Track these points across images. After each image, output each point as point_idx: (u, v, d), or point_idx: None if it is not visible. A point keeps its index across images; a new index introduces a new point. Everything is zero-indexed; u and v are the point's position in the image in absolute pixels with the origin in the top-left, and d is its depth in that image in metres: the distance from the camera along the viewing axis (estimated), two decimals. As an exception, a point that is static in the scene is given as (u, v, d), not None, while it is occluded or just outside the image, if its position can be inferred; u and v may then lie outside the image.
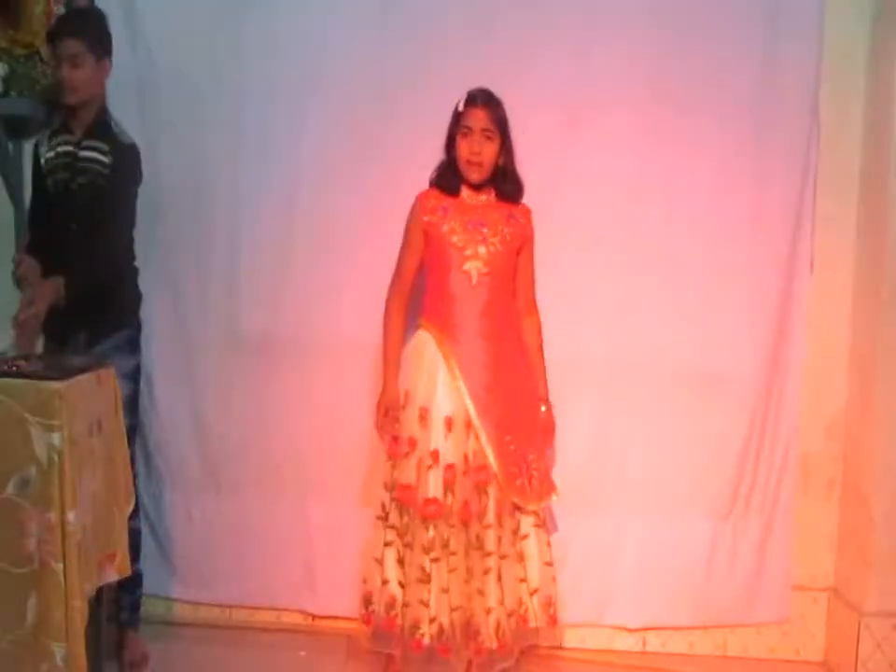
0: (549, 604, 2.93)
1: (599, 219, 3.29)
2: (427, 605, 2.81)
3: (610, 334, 3.31)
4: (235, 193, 3.35)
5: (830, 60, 3.27)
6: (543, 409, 3.04)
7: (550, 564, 2.94)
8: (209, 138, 3.33)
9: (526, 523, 2.91)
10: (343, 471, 3.30)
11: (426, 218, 2.92)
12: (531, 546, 2.91)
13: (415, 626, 2.82)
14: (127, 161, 3.00)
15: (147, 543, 3.33)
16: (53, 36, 2.97)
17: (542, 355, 3.06)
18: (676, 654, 3.37)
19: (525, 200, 3.18)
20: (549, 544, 2.96)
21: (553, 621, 2.95)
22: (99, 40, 2.97)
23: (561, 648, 3.36)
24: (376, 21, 3.28)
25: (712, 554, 3.35)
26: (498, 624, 2.83)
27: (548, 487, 2.96)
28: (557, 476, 3.26)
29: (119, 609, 3.09)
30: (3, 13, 3.26)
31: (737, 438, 3.33)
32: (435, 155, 2.98)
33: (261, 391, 3.37)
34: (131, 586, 3.02)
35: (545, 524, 2.97)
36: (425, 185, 3.00)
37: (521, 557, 2.89)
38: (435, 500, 2.80)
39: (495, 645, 2.82)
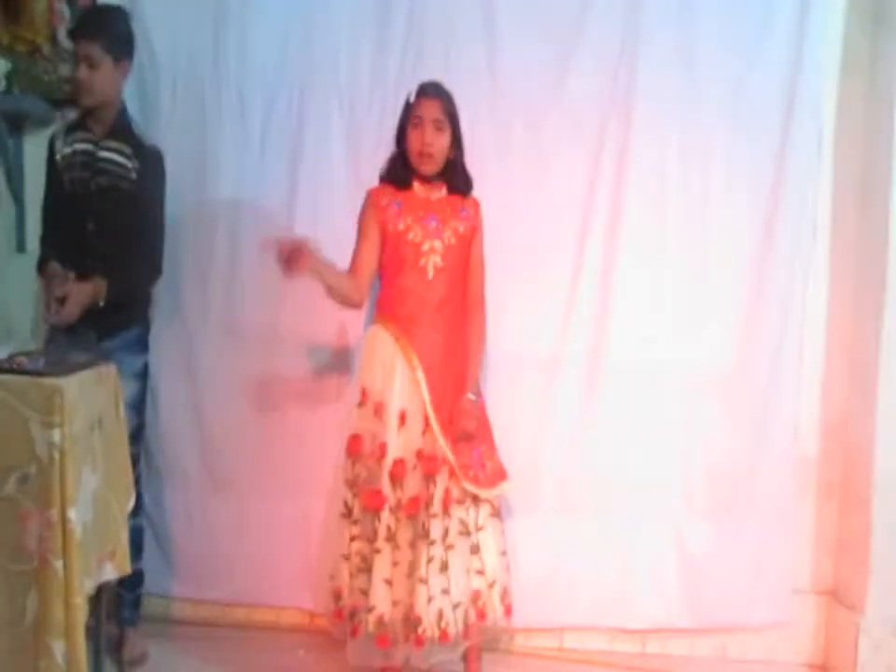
0: (505, 594, 2.94)
1: (599, 220, 3.29)
2: (365, 594, 2.83)
3: (610, 335, 3.30)
4: (236, 193, 3.35)
5: (831, 63, 3.27)
6: (471, 397, 2.92)
7: (504, 553, 2.95)
8: (210, 138, 3.34)
9: (483, 513, 2.91)
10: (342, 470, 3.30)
11: (384, 216, 2.91)
12: (487, 537, 2.92)
13: (354, 613, 2.85)
14: (155, 165, 3.01)
15: (147, 541, 3.33)
16: (73, 35, 2.96)
17: (481, 348, 3.01)
18: (675, 656, 3.37)
19: (525, 199, 3.20)
20: (503, 533, 2.96)
21: (508, 610, 2.95)
22: (119, 40, 2.94)
23: (560, 649, 3.38)
24: (379, 21, 3.28)
25: (712, 557, 3.34)
26: (441, 614, 2.82)
27: (501, 473, 2.96)
28: (556, 477, 3.29)
29: (119, 606, 3.09)
30: (5, 10, 3.27)
31: (737, 440, 3.32)
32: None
33: (262, 390, 3.36)
34: (131, 584, 3.02)
35: (499, 513, 2.97)
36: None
37: (477, 549, 2.89)
38: (378, 492, 2.81)
39: (436, 634, 2.81)
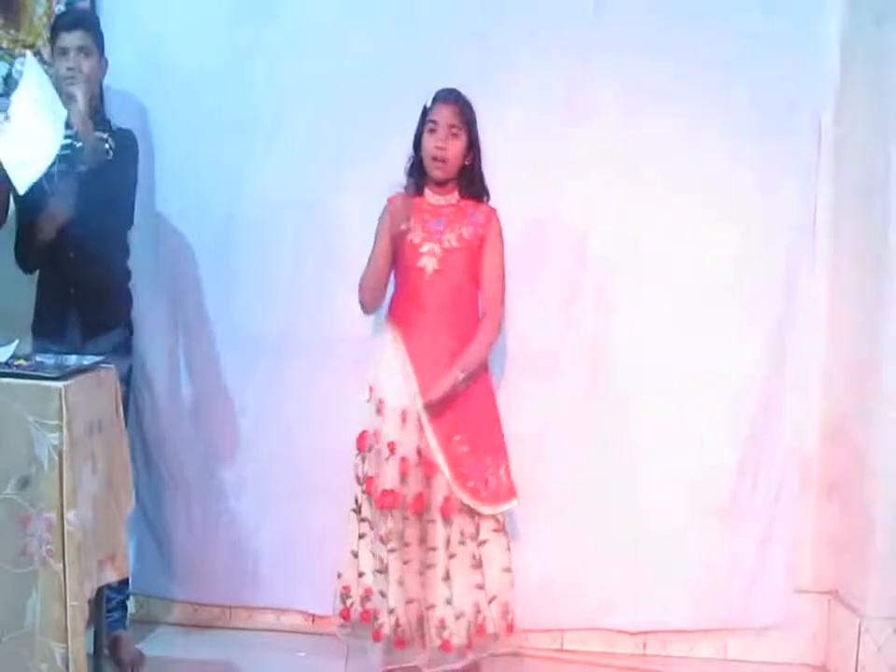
0: (506, 611, 2.92)
1: (599, 220, 3.29)
2: (384, 595, 2.85)
3: (611, 336, 3.30)
4: (235, 193, 3.35)
5: (832, 63, 3.27)
6: (458, 373, 2.86)
7: (508, 570, 2.93)
8: (209, 138, 3.33)
9: (486, 527, 2.90)
10: (342, 471, 3.28)
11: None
12: (489, 552, 2.90)
13: (375, 616, 2.87)
14: (132, 145, 3.07)
15: (147, 543, 3.35)
16: (60, 28, 2.98)
17: (485, 344, 2.94)
18: (676, 657, 3.36)
19: (525, 201, 3.20)
20: (508, 549, 2.95)
21: (509, 628, 2.94)
22: (102, 38, 3.02)
23: (561, 650, 3.37)
24: (380, 21, 3.28)
25: (713, 558, 3.33)
26: (443, 624, 2.83)
27: (507, 492, 2.94)
28: (556, 478, 3.29)
29: (107, 609, 3.08)
30: (4, 14, 3.28)
31: (738, 440, 3.31)
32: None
33: (261, 391, 3.37)
34: (118, 586, 3.00)
35: (504, 528, 2.96)
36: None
37: (479, 563, 2.89)
38: (391, 491, 2.83)
39: (437, 643, 2.84)
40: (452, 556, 2.85)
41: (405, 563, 2.84)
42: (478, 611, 2.88)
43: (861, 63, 3.26)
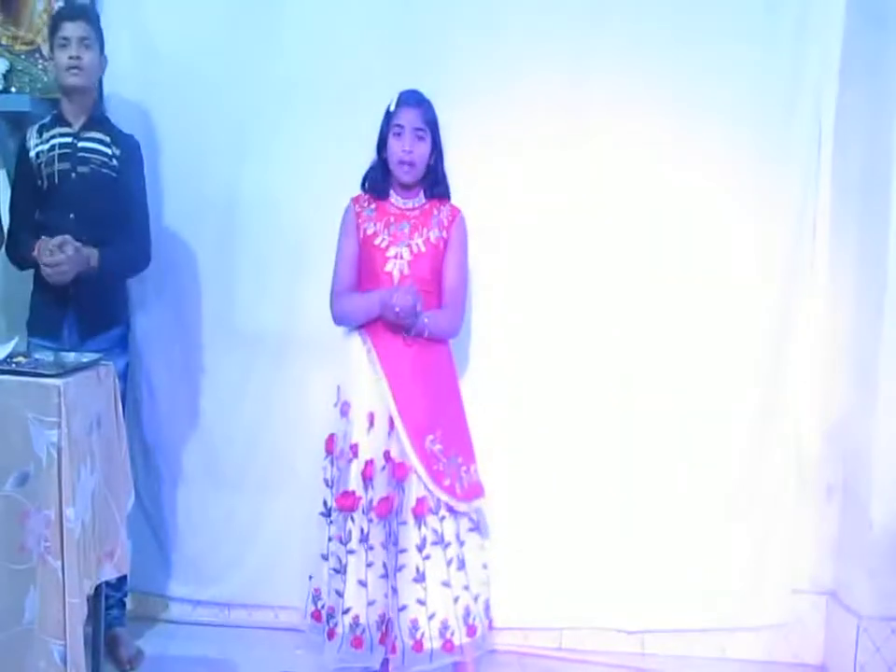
0: (488, 608, 2.95)
1: (599, 221, 3.29)
2: (341, 595, 2.85)
3: (613, 336, 3.30)
4: (235, 192, 3.35)
5: (832, 64, 3.27)
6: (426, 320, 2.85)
7: (486, 566, 2.96)
8: (210, 137, 3.34)
9: (462, 527, 2.91)
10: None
11: (359, 221, 2.94)
12: (468, 551, 2.92)
13: (330, 615, 2.87)
14: (135, 152, 3.07)
15: (146, 541, 3.35)
16: (62, 19, 2.99)
17: (444, 328, 2.91)
18: (674, 656, 3.36)
19: (522, 203, 3.20)
20: (483, 547, 2.96)
21: (490, 625, 2.97)
22: (102, 33, 3.03)
23: (559, 649, 3.37)
24: (381, 20, 3.29)
25: (712, 557, 3.33)
26: (415, 624, 2.83)
27: (477, 489, 2.95)
28: (555, 476, 3.30)
29: (106, 607, 3.08)
30: (4, 10, 3.29)
31: (737, 441, 3.32)
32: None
33: (261, 389, 3.37)
34: (117, 583, 3.01)
35: (479, 527, 2.97)
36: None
37: (463, 563, 2.89)
38: (352, 493, 2.84)
39: (410, 643, 2.82)
40: (426, 558, 2.85)
41: (368, 565, 2.84)
42: (468, 614, 2.88)
43: (861, 63, 3.26)
